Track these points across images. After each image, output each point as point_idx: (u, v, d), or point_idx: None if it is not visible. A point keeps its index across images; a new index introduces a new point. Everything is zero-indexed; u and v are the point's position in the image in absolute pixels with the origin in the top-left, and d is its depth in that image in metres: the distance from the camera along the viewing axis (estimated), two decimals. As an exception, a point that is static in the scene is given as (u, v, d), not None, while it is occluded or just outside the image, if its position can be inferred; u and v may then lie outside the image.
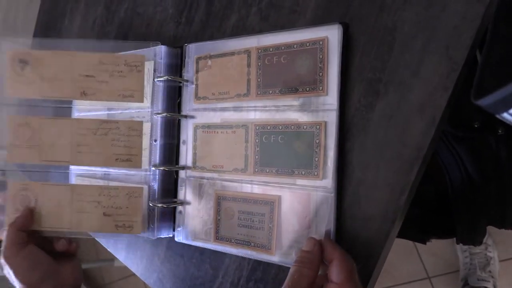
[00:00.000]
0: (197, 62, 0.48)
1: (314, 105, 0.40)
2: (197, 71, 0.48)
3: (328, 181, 0.38)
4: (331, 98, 0.39)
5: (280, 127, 0.42)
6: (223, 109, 0.46)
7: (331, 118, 0.39)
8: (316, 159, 0.39)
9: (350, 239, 0.38)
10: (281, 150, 0.42)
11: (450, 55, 0.34)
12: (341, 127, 0.39)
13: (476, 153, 0.62)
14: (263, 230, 0.43)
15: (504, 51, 0.31)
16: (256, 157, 0.43)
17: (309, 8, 0.43)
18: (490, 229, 1.11)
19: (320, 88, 0.39)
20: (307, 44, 0.40)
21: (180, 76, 0.50)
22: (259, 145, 0.43)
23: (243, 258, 0.45)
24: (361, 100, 0.38)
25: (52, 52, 0.50)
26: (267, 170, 0.43)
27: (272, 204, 0.42)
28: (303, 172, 0.40)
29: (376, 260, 0.37)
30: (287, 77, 0.41)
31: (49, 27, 0.80)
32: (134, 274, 0.58)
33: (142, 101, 0.49)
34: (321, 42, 0.39)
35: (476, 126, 0.60)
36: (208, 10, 0.52)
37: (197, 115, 0.48)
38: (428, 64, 0.35)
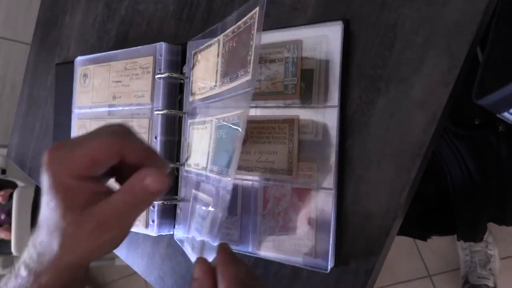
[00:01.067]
0: (193, 58, 0.48)
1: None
2: (193, 67, 0.48)
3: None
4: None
5: (232, 118, 0.37)
6: (205, 105, 0.45)
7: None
8: (233, 157, 0.35)
9: (351, 236, 0.38)
10: (221, 147, 0.38)
11: (451, 51, 0.34)
12: (342, 124, 0.39)
13: (477, 151, 0.62)
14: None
15: (505, 51, 0.31)
16: (211, 154, 0.41)
17: (310, 5, 0.43)
18: (491, 227, 1.12)
19: (248, 70, 0.35)
20: (247, 21, 0.36)
21: (181, 73, 0.50)
22: (214, 142, 0.40)
23: (244, 255, 0.45)
24: (362, 97, 0.38)
25: (99, 66, 0.57)
26: (214, 169, 0.39)
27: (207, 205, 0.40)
28: (227, 171, 0.36)
29: (377, 257, 0.37)
30: (233, 62, 0.38)
31: (49, 24, 0.80)
32: (135, 273, 0.58)
33: (151, 100, 0.51)
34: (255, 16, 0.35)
35: (476, 122, 0.60)
36: (209, 7, 0.52)
37: (193, 111, 0.48)
38: (429, 60, 0.35)
